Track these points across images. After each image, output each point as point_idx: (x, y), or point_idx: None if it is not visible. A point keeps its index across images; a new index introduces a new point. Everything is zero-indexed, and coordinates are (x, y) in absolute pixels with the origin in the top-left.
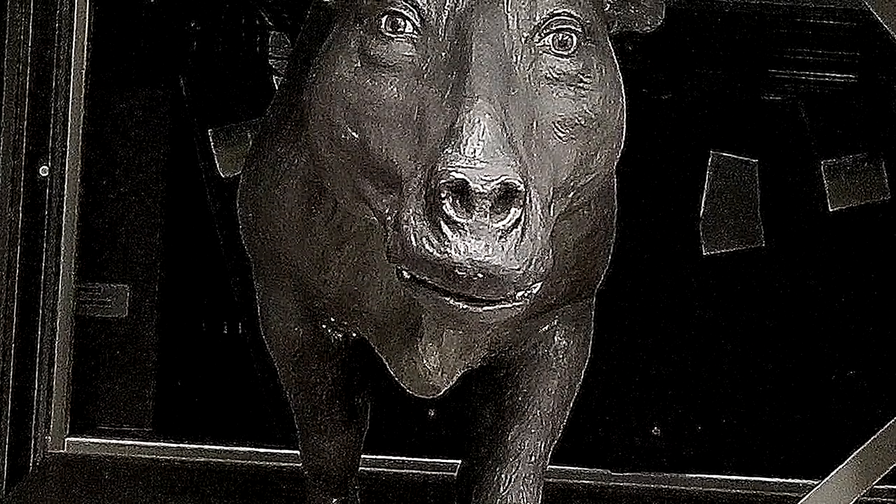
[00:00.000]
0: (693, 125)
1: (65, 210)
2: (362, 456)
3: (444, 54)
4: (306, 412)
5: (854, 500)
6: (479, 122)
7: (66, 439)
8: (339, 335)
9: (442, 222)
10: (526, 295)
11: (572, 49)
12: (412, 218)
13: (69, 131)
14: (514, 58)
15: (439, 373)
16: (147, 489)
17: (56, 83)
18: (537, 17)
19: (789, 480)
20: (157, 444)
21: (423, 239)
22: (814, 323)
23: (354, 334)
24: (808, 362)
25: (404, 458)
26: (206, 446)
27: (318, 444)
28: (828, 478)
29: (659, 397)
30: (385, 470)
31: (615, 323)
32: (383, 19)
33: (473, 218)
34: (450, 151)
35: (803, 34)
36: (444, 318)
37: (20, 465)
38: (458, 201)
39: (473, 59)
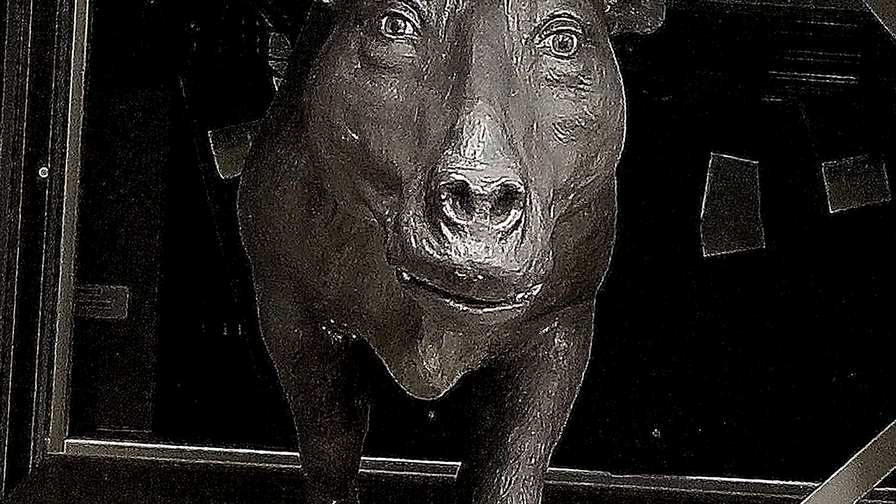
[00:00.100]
0: (694, 127)
1: (64, 211)
2: (362, 458)
3: (444, 56)
4: (306, 414)
5: (855, 502)
6: (479, 123)
7: (66, 441)
8: (339, 337)
9: (442, 224)
10: (526, 297)
11: (573, 50)
12: (412, 219)
13: (69, 132)
14: (515, 59)
15: (439, 374)
16: (147, 491)
17: (56, 84)
18: (537, 19)
19: (790, 482)
20: (156, 445)
21: (423, 240)
22: (814, 325)
23: (354, 336)
24: (809, 364)
25: (404, 459)
26: (206, 448)
27: (317, 445)
28: (828, 480)
29: (659, 399)
30: (385, 472)
31: (615, 325)
32: (383, 21)
33: (473, 219)
34: (450, 153)
35: (804, 36)
36: (444, 320)
37: (19, 467)
38: (458, 203)
39: (473, 60)
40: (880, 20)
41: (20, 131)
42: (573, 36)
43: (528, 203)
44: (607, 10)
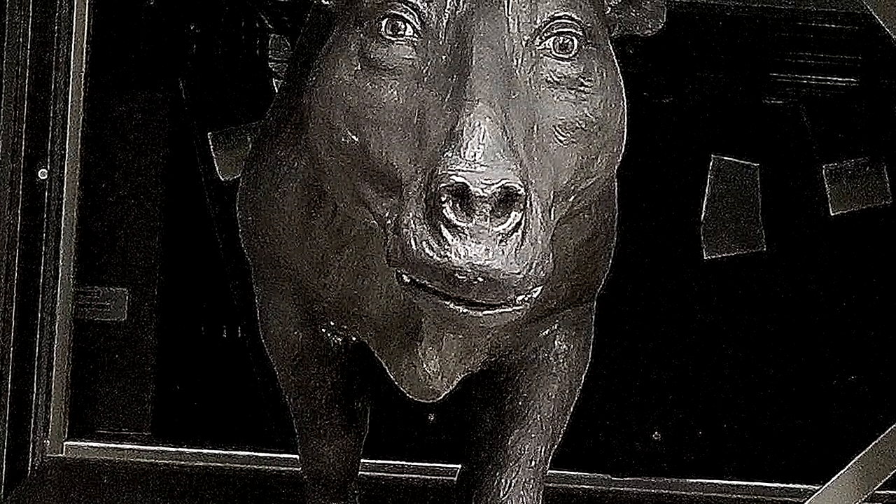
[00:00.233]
0: (694, 129)
1: (64, 213)
2: (362, 460)
3: (444, 57)
4: (306, 416)
5: None
6: (479, 125)
7: (65, 443)
8: (339, 339)
9: (442, 226)
10: (526, 299)
11: (573, 52)
12: (412, 221)
13: (68, 134)
14: (515, 61)
15: (439, 377)
16: (146, 493)
17: (55, 86)
18: (538, 21)
19: (790, 485)
20: (156, 447)
21: (423, 243)
22: (815, 327)
23: (354, 338)
24: (810, 367)
25: (404, 462)
26: (206, 450)
27: (317, 448)
28: (829, 483)
29: (659, 402)
30: (385, 474)
31: (616, 327)
32: (383, 22)
33: (474, 222)
34: (450, 155)
35: (805, 38)
36: (444, 322)
37: (19, 469)
38: (458, 205)
39: (474, 62)
40: (881, 22)
41: (19, 133)
42: (573, 38)
43: (528, 205)
44: (608, 12)
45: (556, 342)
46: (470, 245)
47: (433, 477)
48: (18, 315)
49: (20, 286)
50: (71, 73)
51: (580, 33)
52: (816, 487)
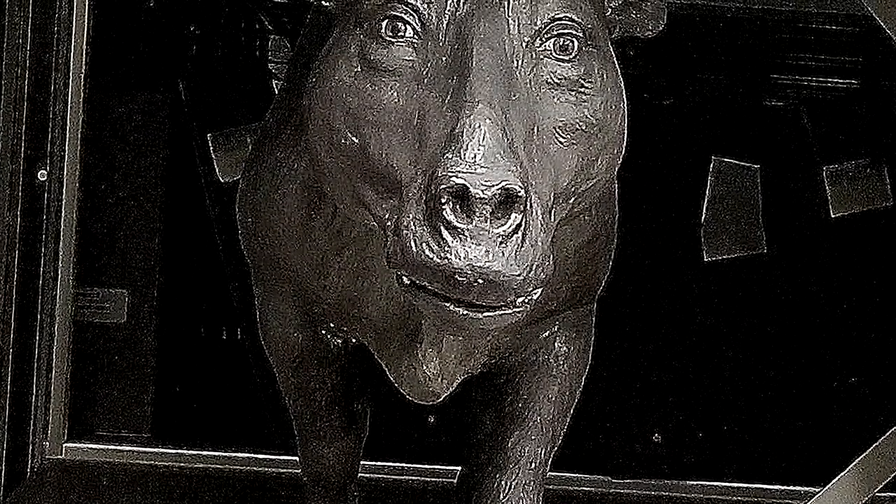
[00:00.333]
0: (695, 130)
1: (63, 214)
2: (362, 462)
3: (444, 59)
4: (305, 418)
5: None
6: (479, 127)
7: (65, 445)
8: (339, 341)
9: (442, 228)
10: (526, 301)
11: (573, 54)
12: (412, 223)
13: (68, 135)
14: (515, 62)
15: (439, 379)
16: (145, 495)
17: (55, 87)
18: (538, 22)
19: (791, 488)
20: (155, 449)
21: (424, 244)
22: (815, 329)
23: (354, 340)
24: (810, 369)
25: (404, 464)
26: (205, 452)
27: (317, 450)
28: (829, 485)
29: (660, 404)
30: (385, 476)
31: (616, 329)
32: (384, 23)
33: (474, 223)
34: (450, 156)
35: (806, 40)
36: (444, 324)
37: (18, 471)
38: (458, 206)
39: (474, 63)
40: (882, 24)
41: (19, 134)
42: (574, 39)
43: (528, 207)
44: (608, 14)
45: (556, 344)
46: (470, 247)
47: (433, 479)
48: (18, 316)
49: (20, 287)
50: (70, 74)
51: (580, 35)
52: (817, 490)
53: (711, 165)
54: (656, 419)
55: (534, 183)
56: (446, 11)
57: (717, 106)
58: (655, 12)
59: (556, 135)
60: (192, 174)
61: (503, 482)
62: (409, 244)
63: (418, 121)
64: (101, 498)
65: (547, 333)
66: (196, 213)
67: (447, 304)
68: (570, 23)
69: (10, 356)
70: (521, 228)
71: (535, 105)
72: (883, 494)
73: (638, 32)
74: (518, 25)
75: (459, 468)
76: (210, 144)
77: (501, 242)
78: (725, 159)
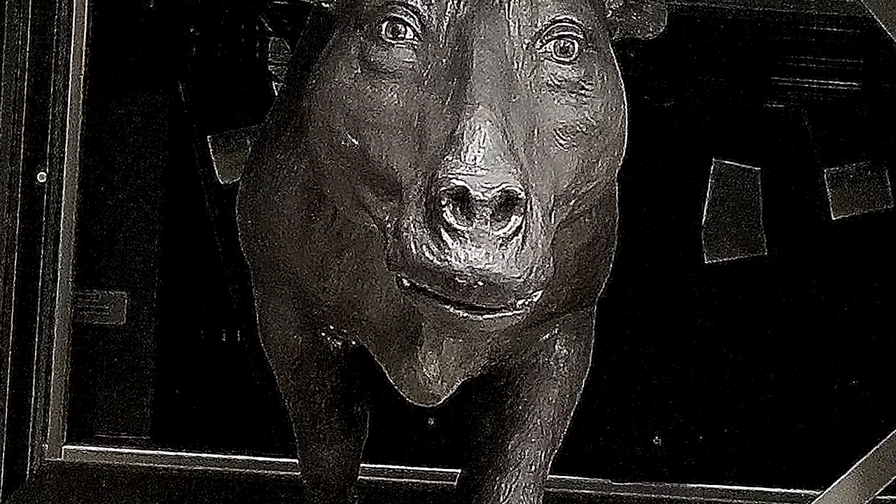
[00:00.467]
0: (695, 133)
1: (62, 216)
2: (361, 465)
3: (444, 61)
4: (305, 420)
5: None
6: (479, 129)
7: (64, 447)
8: (339, 343)
9: (442, 230)
10: (526, 303)
11: (574, 56)
12: (412, 225)
13: (67, 137)
14: (516, 64)
15: (439, 381)
16: (145, 497)
17: (54, 88)
18: (539, 24)
19: (791, 490)
20: (154, 452)
21: (423, 246)
22: (816, 332)
23: (354, 342)
24: (811, 372)
25: (404, 467)
26: (205, 454)
27: (316, 452)
28: (830, 488)
29: (660, 407)
30: (384, 479)
31: (616, 331)
32: (384, 25)
33: (474, 225)
34: (450, 158)
35: (806, 42)
36: (444, 327)
37: (17, 473)
38: (458, 209)
39: (474, 65)
40: (882, 26)
41: (18, 135)
42: (574, 41)
43: (528, 209)
44: (609, 16)
45: (556, 346)
46: (470, 249)
47: (433, 481)
48: (17, 318)
49: (19, 289)
50: (70, 75)
51: (581, 37)
52: (817, 493)
53: (712, 168)
54: (657, 422)
55: (534, 185)
56: (446, 13)
57: (718, 108)
58: (656, 14)
59: (557, 137)
60: (192, 176)
61: (503, 485)
62: (409, 246)
63: (418, 123)
64: (100, 500)
65: (547, 336)
66: (196, 215)
67: (447, 307)
68: (570, 25)
69: (10, 358)
70: (522, 231)
71: (535, 107)
72: (884, 497)
73: (639, 34)
74: (518, 27)
75: (459, 471)
76: (210, 146)
77: (502, 245)
78: (726, 161)
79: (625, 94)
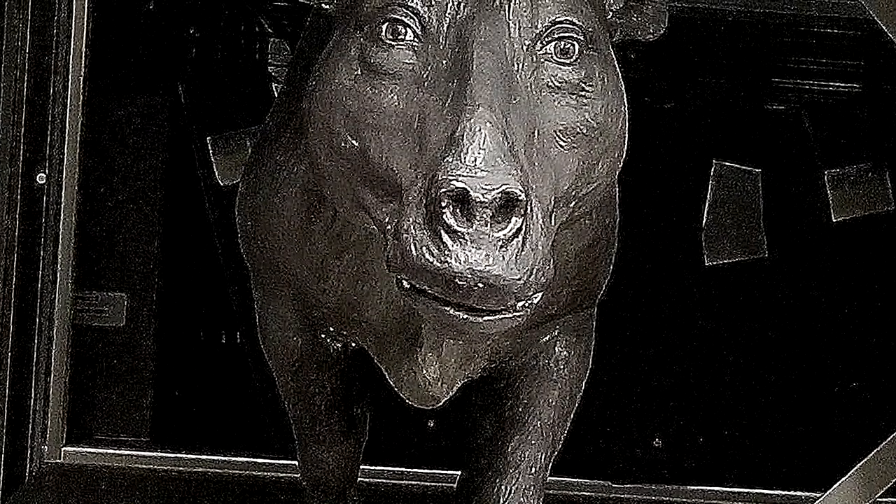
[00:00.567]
0: (696, 134)
1: (62, 218)
2: (361, 467)
3: (444, 62)
4: (305, 422)
5: None
6: (479, 130)
7: (63, 449)
8: (339, 345)
9: (442, 231)
10: (527, 305)
11: (574, 57)
12: (412, 227)
13: (67, 138)
14: (516, 66)
15: (439, 383)
16: (144, 499)
17: (54, 90)
18: (539, 25)
19: (792, 493)
20: (154, 453)
21: (424, 248)
22: (817, 334)
23: (354, 344)
24: (811, 374)
25: (404, 468)
26: (204, 456)
27: (316, 454)
28: (831, 490)
29: (660, 408)
30: (384, 481)
31: (617, 333)
32: (384, 27)
33: (474, 227)
34: (450, 160)
35: (807, 43)
36: (444, 328)
37: (16, 475)
38: (458, 210)
39: (474, 67)
40: (883, 27)
41: (18, 137)
42: (575, 43)
43: (528, 211)
44: (609, 17)
45: (556, 348)
46: (470, 250)
47: (433, 483)
48: (16, 320)
49: (18, 291)
50: (70, 76)
51: (581, 38)
52: (818, 495)
53: (713, 169)
54: (657, 424)
55: (534, 187)
56: (447, 14)
57: (719, 109)
58: (657, 15)
59: (557, 138)
60: (192, 177)
61: (503, 487)
62: (409, 248)
63: (418, 124)
64: (99, 502)
65: (547, 337)
66: (195, 217)
67: (447, 308)
68: (570, 26)
69: (9, 359)
70: (522, 232)
71: (535, 109)
72: (885, 500)
73: (639, 36)
74: (519, 29)
75: (459, 473)
76: (210, 148)
77: (502, 246)
78: (727, 163)
79: (625, 95)
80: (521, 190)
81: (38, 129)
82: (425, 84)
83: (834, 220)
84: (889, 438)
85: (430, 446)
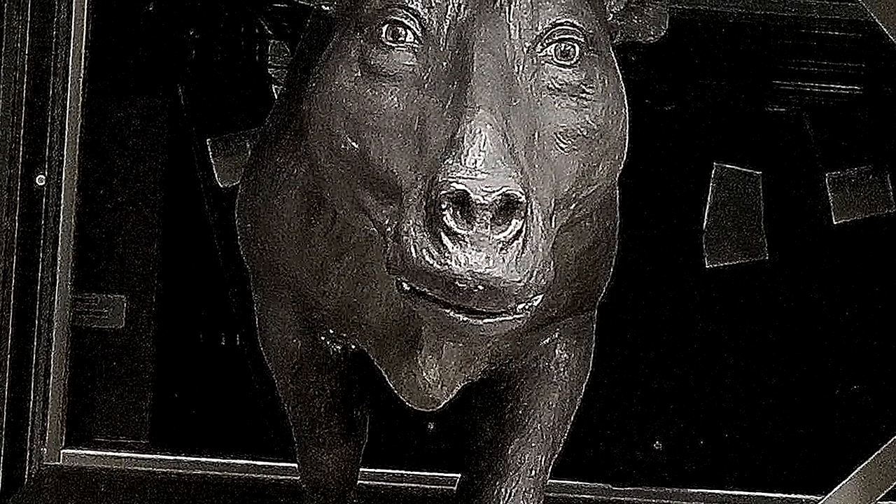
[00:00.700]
0: (696, 136)
1: (61, 220)
2: (361, 469)
3: (445, 64)
4: (304, 425)
5: None
6: (480, 132)
7: (62, 451)
8: (338, 347)
9: (442, 233)
10: (527, 307)
11: (575, 59)
12: (412, 229)
13: (66, 140)
14: (516, 68)
15: (439, 385)
16: (143, 501)
17: (53, 91)
18: (539, 27)
19: (792, 496)
20: (153, 456)
21: (424, 250)
22: (817, 336)
23: (353, 346)
24: (812, 376)
25: (403, 471)
26: (203, 459)
27: (316, 457)
28: (831, 493)
29: (661, 411)
30: (384, 483)
31: (617, 336)
32: (384, 28)
33: (474, 229)
34: (451, 162)
35: (808, 45)
36: (444, 331)
37: (16, 477)
38: (458, 212)
39: (475, 69)
40: (884, 30)
41: (17, 138)
42: (575, 44)
43: (529, 213)
44: (610, 19)
45: (556, 351)
46: (470, 253)
47: (433, 486)
48: (16, 322)
49: (17, 293)
50: (69, 78)
51: (582, 40)
52: (819, 498)
53: (713, 171)
54: (657, 426)
55: (535, 189)
56: (447, 16)
57: (719, 112)
58: (657, 17)
59: (557, 140)
60: (191, 179)
61: (503, 489)
62: (409, 250)
63: (419, 126)
64: None
65: (547, 340)
66: (195, 219)
67: (447, 311)
68: (571, 28)
69: (8, 361)
70: (522, 235)
71: (535, 110)
72: (885, 503)
73: (640, 38)
74: (519, 31)
75: (459, 475)
76: (209, 149)
77: (502, 249)
78: (727, 165)
79: (626, 97)
80: (521, 192)
81: (38, 130)
82: (425, 86)
83: (835, 223)
84: (890, 441)
85: (429, 449)
